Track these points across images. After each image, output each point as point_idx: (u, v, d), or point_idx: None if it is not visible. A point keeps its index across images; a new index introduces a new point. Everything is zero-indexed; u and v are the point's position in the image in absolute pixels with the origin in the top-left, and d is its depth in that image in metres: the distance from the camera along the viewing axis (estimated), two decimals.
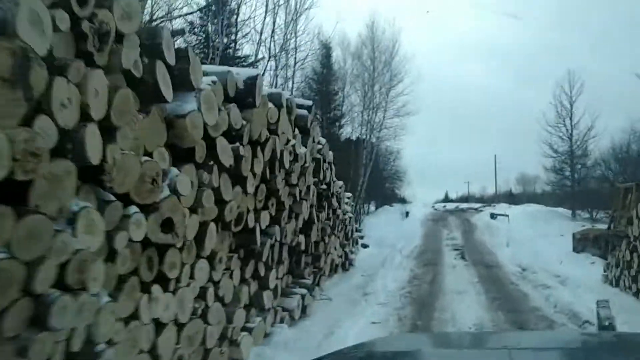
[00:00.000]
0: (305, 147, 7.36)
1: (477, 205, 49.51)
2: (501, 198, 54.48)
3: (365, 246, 15.52)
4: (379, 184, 35.53)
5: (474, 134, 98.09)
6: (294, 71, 19.14)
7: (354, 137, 22.46)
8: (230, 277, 5.29)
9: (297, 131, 7.27)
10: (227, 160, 4.68)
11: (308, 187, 7.64)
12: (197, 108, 3.97)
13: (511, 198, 59.07)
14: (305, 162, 7.19)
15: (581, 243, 15.25)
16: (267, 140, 5.82)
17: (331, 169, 9.74)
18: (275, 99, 6.15)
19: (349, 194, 13.59)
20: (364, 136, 21.80)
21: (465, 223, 25.25)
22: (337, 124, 21.87)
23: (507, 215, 23.54)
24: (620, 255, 8.99)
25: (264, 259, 6.12)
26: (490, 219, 25.11)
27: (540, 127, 28.43)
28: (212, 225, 4.51)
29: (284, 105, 6.41)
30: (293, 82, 19.75)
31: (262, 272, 6.19)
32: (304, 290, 7.44)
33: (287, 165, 6.53)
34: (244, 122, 5.07)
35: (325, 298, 8.23)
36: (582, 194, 25.65)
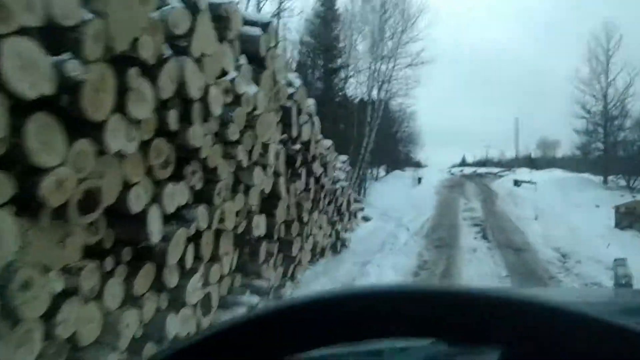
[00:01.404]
0: (258, 85, 4.89)
1: (496, 170, 46.93)
2: (521, 162, 51.69)
3: (367, 219, 13.13)
4: (391, 147, 32.92)
5: (494, 97, 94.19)
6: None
7: (359, 93, 19.69)
8: (97, 298, 3.02)
9: (243, 60, 4.81)
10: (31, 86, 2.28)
11: (265, 147, 5.21)
12: None
13: (531, 162, 56.38)
14: (255, 109, 4.73)
15: (626, 218, 12.67)
16: (163, 62, 3.39)
17: (312, 124, 7.27)
18: None
19: (343, 157, 11.09)
20: (369, 90, 19.08)
21: (485, 190, 22.66)
22: (341, 76, 19.01)
23: (534, 183, 20.86)
24: None
25: (170, 262, 3.77)
26: (513, 186, 22.50)
27: (573, 86, 25.37)
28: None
29: (208, 9, 3.93)
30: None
31: (170, 282, 3.87)
32: (255, 299, 5.11)
33: (215, 111, 4.10)
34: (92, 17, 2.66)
35: None
36: (618, 159, 22.77)
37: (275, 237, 6.06)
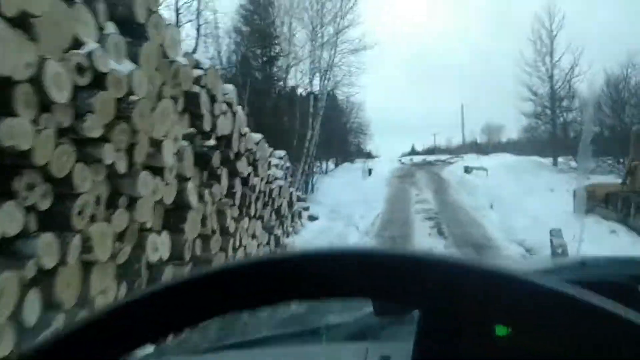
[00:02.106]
0: (136, 63, 3.62)
1: (444, 157, 46.76)
2: (468, 149, 51.94)
3: (314, 218, 11.99)
4: (341, 138, 31.96)
5: (439, 84, 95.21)
6: None
7: (302, 83, 18.39)
8: None
9: (112, 28, 3.53)
10: None
11: (157, 145, 3.95)
12: None
13: (477, 147, 56.83)
14: (130, 93, 3.46)
15: (587, 202, 12.05)
16: None
17: (233, 115, 6.03)
18: None
19: (280, 152, 9.89)
20: (311, 78, 17.86)
21: (436, 179, 21.96)
22: (281, 66, 17.65)
23: (485, 169, 20.26)
24: None
25: None
26: (464, 173, 21.90)
27: (518, 69, 25.02)
28: None
29: None
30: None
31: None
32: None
33: (57, 96, 2.84)
34: None
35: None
36: (568, 140, 22.53)
37: (187, 257, 4.80)
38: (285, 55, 17.73)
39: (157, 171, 4.12)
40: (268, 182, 7.86)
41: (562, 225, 9.87)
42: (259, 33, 16.82)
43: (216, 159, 5.45)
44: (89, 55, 3.13)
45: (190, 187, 4.72)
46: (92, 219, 3.39)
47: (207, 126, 5.17)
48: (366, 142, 51.35)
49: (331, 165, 27.52)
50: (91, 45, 3.17)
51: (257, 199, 7.18)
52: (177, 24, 12.93)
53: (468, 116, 58.16)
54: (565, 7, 26.25)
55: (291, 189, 10.48)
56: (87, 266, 3.40)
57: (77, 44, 3.14)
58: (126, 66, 3.44)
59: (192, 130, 4.91)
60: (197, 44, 13.90)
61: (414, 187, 19.48)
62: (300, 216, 11.22)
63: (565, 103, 24.12)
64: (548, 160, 24.72)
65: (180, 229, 4.67)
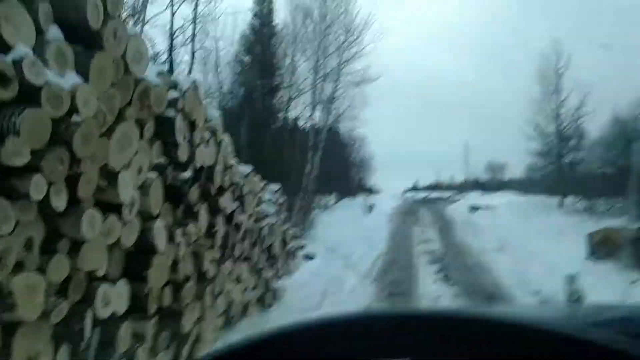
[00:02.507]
0: (85, 76, 2.98)
1: (447, 194, 46.07)
2: (470, 186, 51.27)
3: (310, 257, 11.22)
4: (342, 173, 31.36)
5: (442, 122, 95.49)
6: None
7: (302, 116, 17.81)
8: None
9: (55, 32, 2.91)
10: None
11: (113, 176, 3.28)
12: None
13: (480, 186, 56.22)
14: (74, 112, 2.81)
15: (602, 248, 11.26)
16: None
17: (218, 144, 5.38)
18: None
19: (274, 186, 9.21)
20: (312, 110, 17.30)
21: (439, 217, 21.20)
22: (282, 97, 17.09)
23: (491, 209, 19.50)
24: None
25: None
26: (469, 213, 21.15)
27: (523, 108, 24.60)
28: None
29: None
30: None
31: None
32: None
33: None
34: None
35: None
36: (576, 180, 21.78)
37: (151, 310, 4.07)
38: (287, 87, 17.26)
39: (114, 208, 3.44)
40: (258, 220, 7.15)
41: (577, 271, 9.11)
42: (260, 64, 16.37)
43: (194, 193, 4.77)
44: (16, 62, 2.49)
45: (158, 226, 4.02)
46: (18, 268, 2.70)
47: (183, 156, 4.50)
48: (368, 177, 50.93)
49: (332, 200, 26.78)
50: (21, 50, 2.53)
51: (244, 238, 6.46)
52: (171, 49, 12.49)
53: (471, 153, 57.55)
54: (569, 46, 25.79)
55: (286, 226, 9.77)
56: (9, 328, 2.70)
57: (3, 48, 2.51)
58: (70, 79, 2.79)
59: (163, 160, 4.25)
60: (191, 69, 13.40)
61: (417, 225, 18.71)
62: (294, 255, 10.46)
63: (572, 142, 23.52)
64: (554, 200, 23.94)
65: (144, 276, 3.95)
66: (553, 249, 12.52)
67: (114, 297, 3.50)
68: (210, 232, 5.26)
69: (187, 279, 4.71)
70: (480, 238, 14.62)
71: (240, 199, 6.14)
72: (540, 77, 24.25)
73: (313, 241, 14.18)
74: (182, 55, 13.89)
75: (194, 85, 4.70)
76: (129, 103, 3.58)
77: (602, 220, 16.48)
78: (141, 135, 3.76)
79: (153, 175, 4.00)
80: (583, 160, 22.82)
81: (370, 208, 23.30)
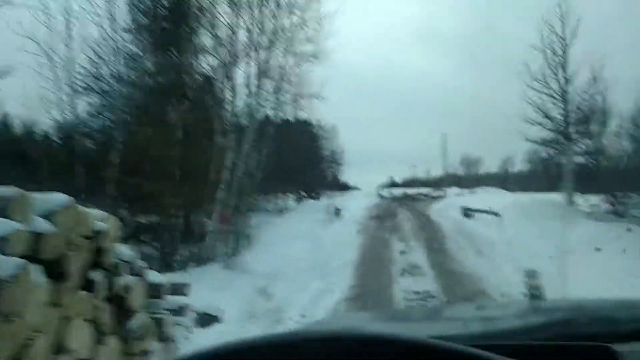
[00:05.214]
0: None
1: (426, 190, 41.61)
2: (448, 180, 47.08)
3: (209, 321, 6.27)
4: (308, 169, 26.57)
5: (416, 117, 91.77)
6: None
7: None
8: None
9: None
10: None
11: None
12: None
13: (457, 180, 52.28)
14: None
15: None
16: None
17: None
18: None
19: (97, 211, 4.13)
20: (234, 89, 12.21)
21: (425, 224, 16.46)
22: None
23: (496, 214, 14.71)
24: None
25: None
26: (462, 217, 16.45)
27: (524, 85, 19.72)
28: None
29: None
30: None
31: None
32: None
33: None
34: None
35: None
36: (600, 174, 17.12)
37: None
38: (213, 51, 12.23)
39: None
40: None
41: None
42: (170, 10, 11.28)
43: None
44: None
45: None
46: None
47: None
48: (341, 173, 46.22)
49: (291, 202, 21.85)
50: None
51: None
52: None
53: (448, 147, 53.48)
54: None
55: (151, 278, 4.85)
56: None
57: None
58: None
59: None
60: None
61: (397, 235, 13.97)
62: (177, 323, 5.52)
63: (583, 127, 18.89)
64: (558, 197, 19.27)
65: None
66: (598, 274, 7.99)
67: None
68: None
69: None
70: (483, 255, 9.92)
71: None
72: (544, 49, 19.57)
73: (241, 273, 9.28)
74: None
75: None
76: None
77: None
78: None
79: None
80: (599, 149, 18.20)
81: (337, 212, 18.39)
